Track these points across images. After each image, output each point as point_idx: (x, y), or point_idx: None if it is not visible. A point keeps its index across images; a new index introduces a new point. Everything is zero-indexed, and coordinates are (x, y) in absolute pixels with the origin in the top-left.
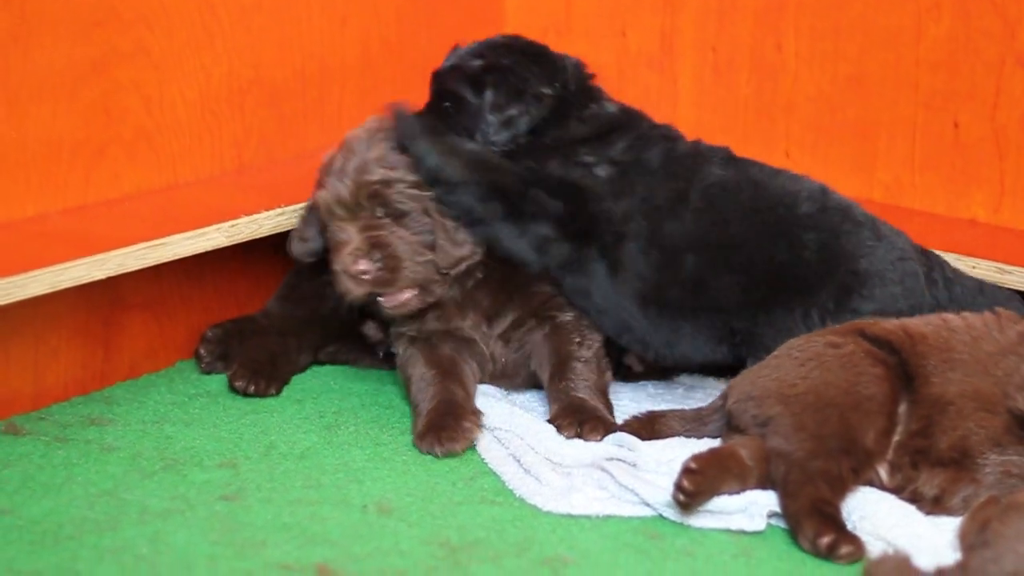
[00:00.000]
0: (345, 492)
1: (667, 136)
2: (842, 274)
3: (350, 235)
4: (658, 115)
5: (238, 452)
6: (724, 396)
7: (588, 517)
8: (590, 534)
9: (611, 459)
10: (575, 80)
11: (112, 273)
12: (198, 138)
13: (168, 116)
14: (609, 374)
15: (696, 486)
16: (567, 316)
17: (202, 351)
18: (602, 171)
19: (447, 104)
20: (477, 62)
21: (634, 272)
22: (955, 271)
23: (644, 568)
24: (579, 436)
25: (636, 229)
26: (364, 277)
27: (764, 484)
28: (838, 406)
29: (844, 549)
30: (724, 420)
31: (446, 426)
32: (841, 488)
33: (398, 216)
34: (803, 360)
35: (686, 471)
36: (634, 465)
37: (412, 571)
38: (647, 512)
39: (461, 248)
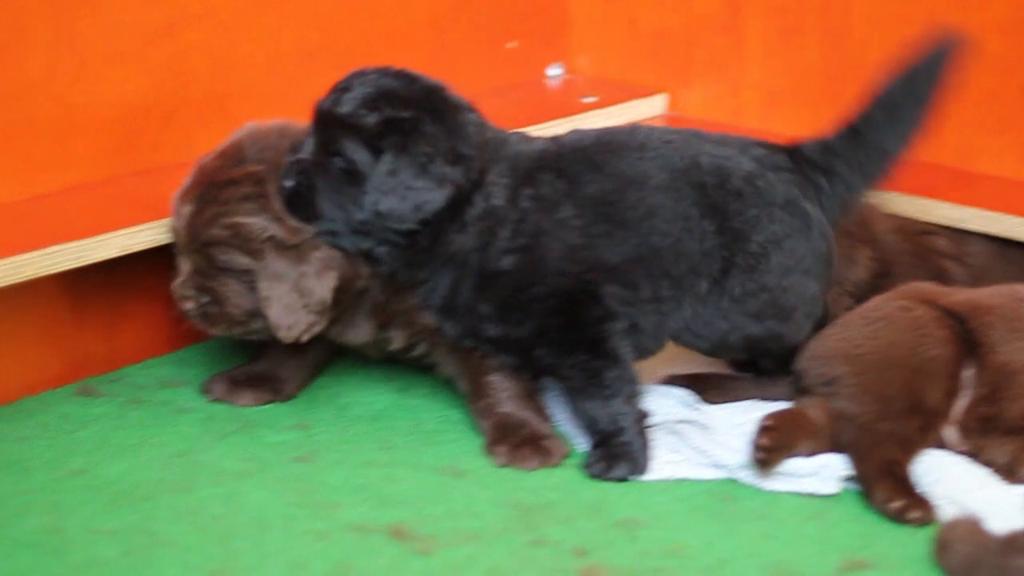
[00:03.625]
0: (418, 454)
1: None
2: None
3: (182, 267)
4: (725, 79)
5: (311, 414)
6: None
7: (660, 480)
8: (662, 496)
9: (682, 421)
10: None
11: None
12: (267, 101)
13: (237, 79)
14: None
15: (773, 442)
16: None
17: None
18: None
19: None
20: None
21: None
22: None
23: (716, 530)
24: (513, 463)
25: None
26: (191, 313)
27: (836, 445)
28: (902, 367)
29: (914, 513)
30: (793, 382)
31: None
32: (910, 448)
33: (229, 271)
34: (871, 320)
35: (763, 429)
36: (706, 427)
37: (485, 532)
38: (719, 475)
39: (296, 316)
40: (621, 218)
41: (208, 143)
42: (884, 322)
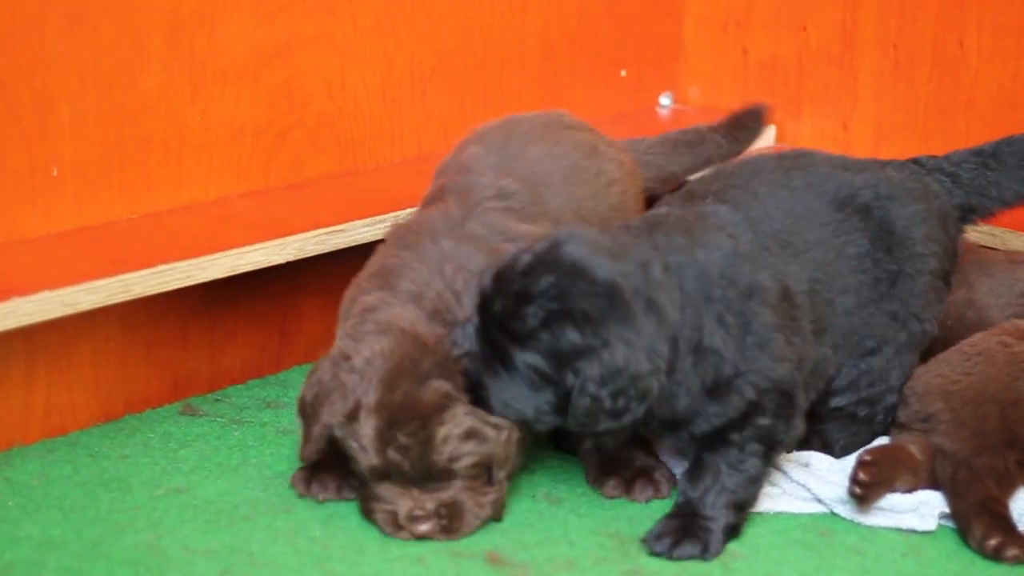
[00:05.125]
0: (516, 482)
1: None
2: None
3: (407, 494)
4: (837, 111)
5: None
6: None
7: (759, 513)
8: (760, 529)
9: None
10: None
11: (292, 258)
12: (379, 125)
13: (350, 102)
14: None
15: (872, 478)
16: None
17: None
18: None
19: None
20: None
21: None
22: None
23: (813, 564)
24: (626, 495)
25: None
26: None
27: (934, 481)
28: (998, 402)
29: (1011, 551)
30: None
31: None
32: (1009, 484)
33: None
34: (969, 356)
35: (862, 464)
36: (806, 465)
37: (581, 560)
38: (818, 509)
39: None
40: (828, 311)
41: (319, 166)
42: (982, 357)
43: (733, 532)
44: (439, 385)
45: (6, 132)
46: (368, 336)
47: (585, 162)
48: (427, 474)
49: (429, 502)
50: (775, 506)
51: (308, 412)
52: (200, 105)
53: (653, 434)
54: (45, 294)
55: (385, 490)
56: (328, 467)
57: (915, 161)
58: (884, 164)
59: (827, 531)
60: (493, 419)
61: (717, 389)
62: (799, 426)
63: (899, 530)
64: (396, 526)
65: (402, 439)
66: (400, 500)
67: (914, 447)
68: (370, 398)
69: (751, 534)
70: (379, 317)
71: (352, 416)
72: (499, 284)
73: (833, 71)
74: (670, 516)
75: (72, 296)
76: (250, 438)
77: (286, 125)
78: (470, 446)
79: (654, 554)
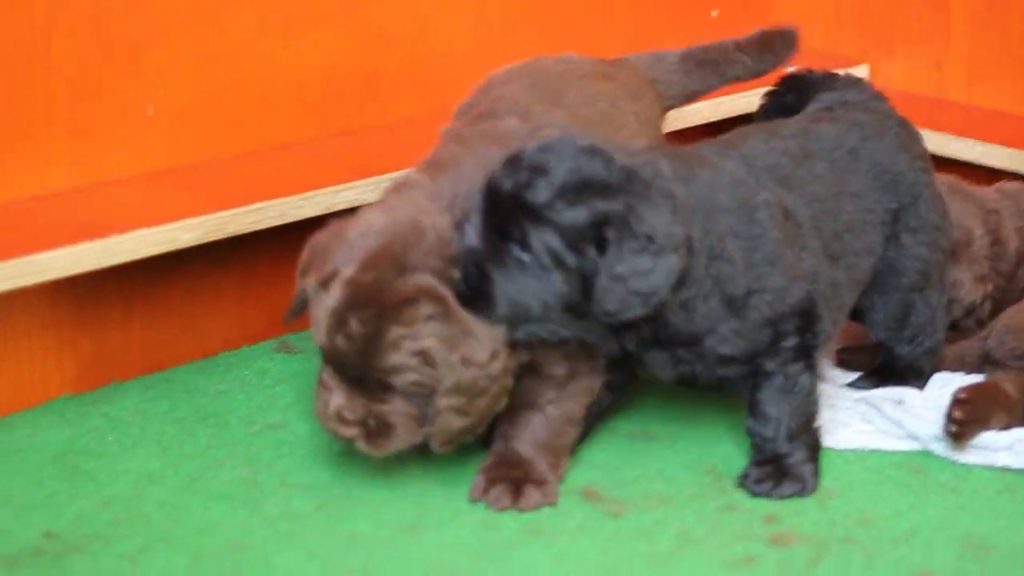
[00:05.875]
0: (612, 421)
1: None
2: None
3: (333, 384)
4: (930, 52)
5: None
6: (987, 331)
7: (853, 451)
8: (854, 467)
9: (879, 396)
10: None
11: None
12: (469, 66)
13: (441, 43)
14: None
15: (967, 415)
16: None
17: None
18: None
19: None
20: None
21: None
22: None
23: (907, 501)
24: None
25: None
26: (353, 438)
27: None
28: None
29: None
30: (985, 355)
31: None
32: None
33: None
34: None
35: (957, 401)
36: (900, 402)
37: (677, 496)
38: (912, 447)
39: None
40: (837, 243)
41: (410, 107)
42: None
43: (815, 450)
44: (420, 279)
45: (102, 71)
46: (376, 210)
47: (612, 109)
48: (365, 378)
49: (360, 407)
50: (869, 443)
51: (299, 271)
52: (292, 47)
53: (683, 375)
54: (142, 232)
55: (329, 376)
56: None
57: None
58: (833, 107)
59: (921, 469)
60: (475, 335)
61: (733, 304)
62: (826, 330)
63: (994, 468)
64: (325, 417)
65: (354, 325)
66: (336, 393)
67: (1009, 385)
68: (346, 271)
69: (846, 471)
70: (398, 197)
71: (324, 284)
72: (510, 164)
73: (926, 10)
74: (758, 462)
75: (169, 234)
76: None
77: (378, 66)
78: (414, 361)
79: (755, 496)
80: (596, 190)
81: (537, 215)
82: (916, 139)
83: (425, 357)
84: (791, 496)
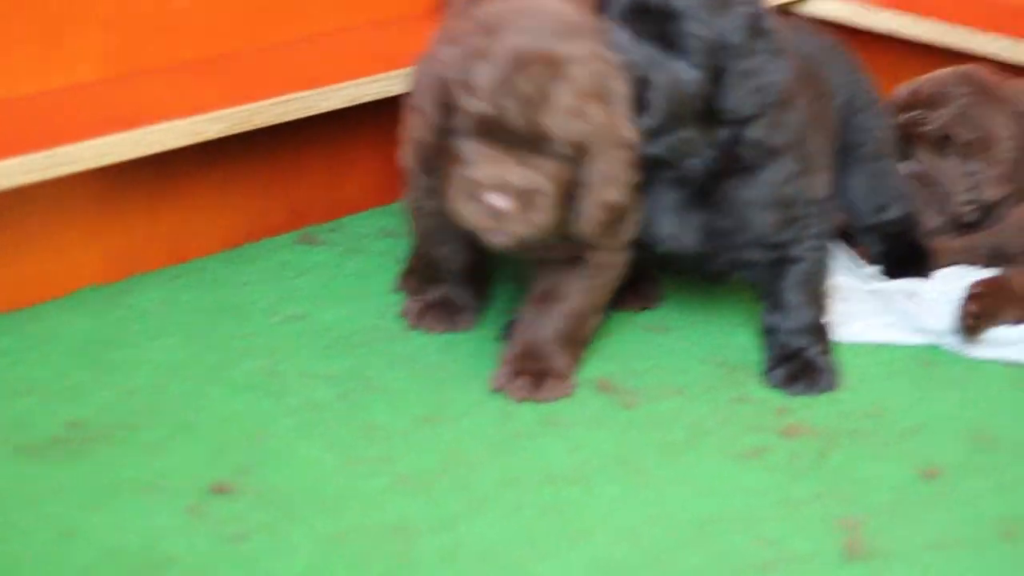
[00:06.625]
0: (626, 314)
1: None
2: None
3: (487, 153)
4: None
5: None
6: (1000, 226)
7: (865, 343)
8: (864, 359)
9: (893, 290)
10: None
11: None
12: None
13: None
14: None
15: (982, 309)
16: None
17: None
18: None
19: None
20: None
21: None
22: None
23: (916, 395)
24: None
25: None
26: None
27: None
28: None
29: None
30: (998, 249)
31: None
32: None
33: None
34: None
35: (972, 296)
36: (913, 294)
37: (690, 387)
38: (923, 340)
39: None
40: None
41: None
42: None
43: (829, 342)
44: (584, 44)
45: None
46: None
47: None
48: (522, 143)
49: (518, 174)
50: (881, 336)
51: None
52: None
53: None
54: (171, 123)
55: (475, 152)
56: (440, 303)
57: None
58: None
59: (930, 362)
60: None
61: (797, 150)
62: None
63: (1003, 362)
64: (468, 196)
65: (522, 85)
66: (486, 164)
67: (1021, 280)
68: (505, 41)
69: (856, 365)
70: None
71: (479, 54)
72: None
73: None
74: (779, 360)
75: (197, 125)
76: (367, 267)
77: None
78: (577, 122)
79: (785, 392)
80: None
81: (686, 17)
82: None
83: (585, 106)
84: (822, 391)
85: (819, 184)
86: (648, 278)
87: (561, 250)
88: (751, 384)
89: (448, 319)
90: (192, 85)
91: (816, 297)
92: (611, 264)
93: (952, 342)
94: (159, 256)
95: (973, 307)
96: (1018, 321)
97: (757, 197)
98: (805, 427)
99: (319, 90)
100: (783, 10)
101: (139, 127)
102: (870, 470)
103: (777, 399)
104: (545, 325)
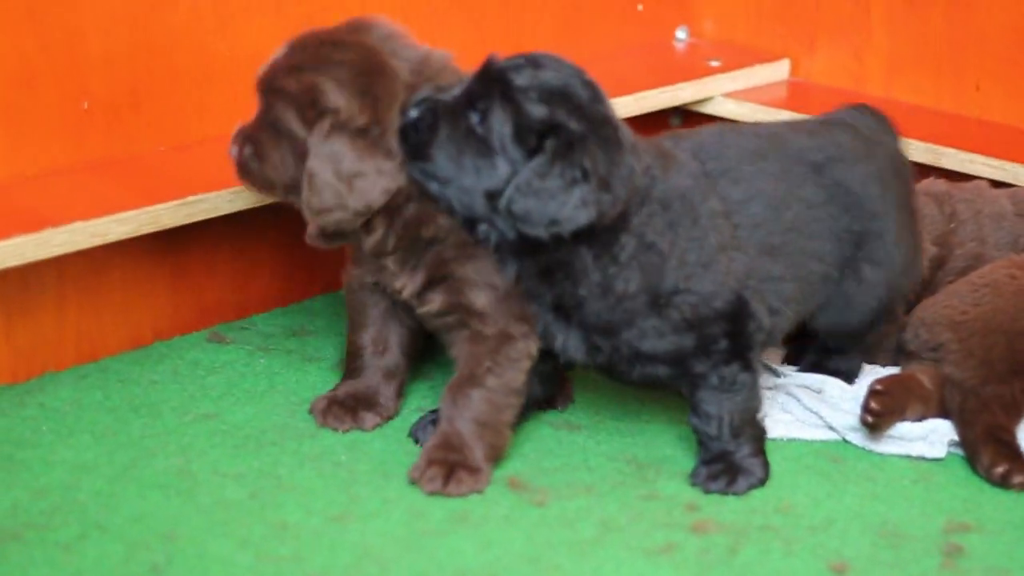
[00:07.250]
0: (537, 413)
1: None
2: None
3: None
4: (849, 45)
5: (430, 371)
6: (902, 324)
7: (772, 439)
8: (773, 456)
9: (799, 385)
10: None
11: None
12: None
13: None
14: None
15: (884, 406)
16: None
17: None
18: None
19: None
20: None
21: None
22: None
23: (825, 490)
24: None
25: None
26: (234, 159)
27: (944, 410)
28: (1005, 332)
29: (1017, 478)
30: (900, 347)
31: None
32: (1016, 412)
33: (280, 131)
34: (978, 287)
35: (873, 393)
36: (819, 391)
37: (599, 485)
38: (830, 436)
39: (332, 203)
40: (777, 237)
41: None
42: (990, 289)
43: (761, 441)
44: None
45: (38, 64)
46: None
47: None
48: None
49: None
50: (788, 432)
51: None
52: (226, 37)
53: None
54: (76, 225)
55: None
56: (344, 398)
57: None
58: (829, 123)
59: (839, 458)
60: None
61: (656, 299)
62: (762, 327)
63: (909, 457)
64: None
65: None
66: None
67: (924, 376)
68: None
69: None
70: None
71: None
72: (519, 55)
73: (847, 5)
74: (707, 460)
75: (102, 227)
76: (277, 365)
77: None
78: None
79: (709, 492)
80: (569, 106)
81: (507, 95)
82: (902, 177)
83: (312, 92)
84: (747, 491)
85: (722, 297)
86: (558, 379)
87: (466, 321)
88: (661, 481)
89: (353, 416)
90: (98, 186)
91: (738, 403)
92: (523, 345)
93: (858, 438)
94: (68, 355)
95: (876, 404)
96: (922, 417)
97: (632, 339)
98: (715, 523)
99: (225, 191)
100: (686, 110)
101: (44, 229)
102: (780, 565)
103: (687, 495)
104: (463, 413)
